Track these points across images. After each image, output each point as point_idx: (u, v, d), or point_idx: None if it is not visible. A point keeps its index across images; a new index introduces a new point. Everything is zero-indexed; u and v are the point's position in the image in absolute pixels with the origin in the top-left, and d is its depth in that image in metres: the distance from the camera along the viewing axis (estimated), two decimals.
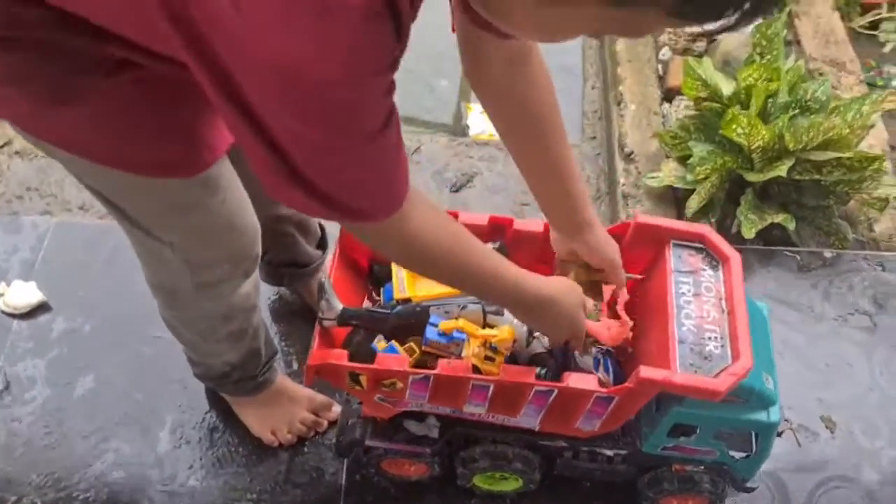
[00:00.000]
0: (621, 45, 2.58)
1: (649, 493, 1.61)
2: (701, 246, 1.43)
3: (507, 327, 1.32)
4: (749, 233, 1.95)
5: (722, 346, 1.31)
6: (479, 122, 2.68)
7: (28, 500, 1.65)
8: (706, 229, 1.43)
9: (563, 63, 2.85)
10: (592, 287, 1.40)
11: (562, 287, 1.23)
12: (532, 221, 1.49)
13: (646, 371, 1.25)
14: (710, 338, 1.32)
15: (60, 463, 1.70)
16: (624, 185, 2.19)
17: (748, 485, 1.57)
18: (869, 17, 2.73)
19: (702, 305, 1.36)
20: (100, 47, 0.95)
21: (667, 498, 1.61)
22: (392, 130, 0.91)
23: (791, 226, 1.99)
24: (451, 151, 2.38)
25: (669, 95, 2.43)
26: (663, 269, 1.41)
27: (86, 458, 1.71)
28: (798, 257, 2.09)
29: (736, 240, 2.01)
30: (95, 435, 1.74)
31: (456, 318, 1.36)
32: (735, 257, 1.40)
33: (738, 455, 1.50)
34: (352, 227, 1.04)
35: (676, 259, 1.41)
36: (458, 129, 2.70)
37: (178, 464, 1.71)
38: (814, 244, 2.10)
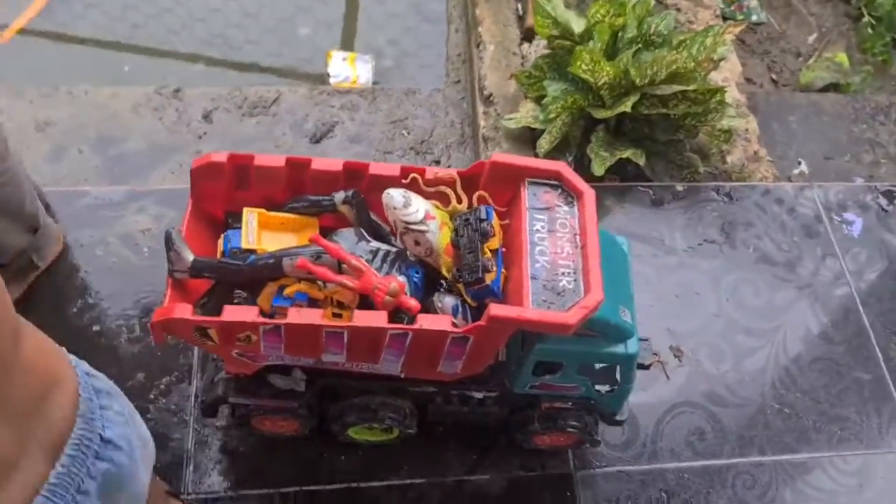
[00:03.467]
0: None
1: (520, 433, 1.63)
2: (557, 183, 1.42)
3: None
4: (599, 169, 1.97)
5: (574, 280, 1.31)
6: (340, 69, 2.62)
7: None
8: (561, 166, 1.42)
9: (427, 7, 2.83)
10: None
11: None
12: (389, 165, 1.46)
13: (496, 309, 1.24)
14: (563, 273, 1.31)
15: None
16: (484, 127, 2.17)
17: (617, 418, 1.60)
18: None
19: (556, 242, 1.35)
20: None
21: (539, 436, 1.63)
22: None
23: (641, 160, 2.02)
24: (312, 101, 2.31)
25: (529, 35, 2.41)
26: (520, 207, 1.39)
27: None
28: (651, 192, 2.14)
29: (594, 178, 2.03)
30: None
31: (298, 281, 1.33)
32: (589, 193, 1.39)
33: (603, 389, 1.52)
34: None
35: (532, 197, 1.40)
36: (319, 77, 2.63)
37: None
38: (667, 178, 2.14)
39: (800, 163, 2.40)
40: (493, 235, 1.37)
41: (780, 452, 1.76)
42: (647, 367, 1.66)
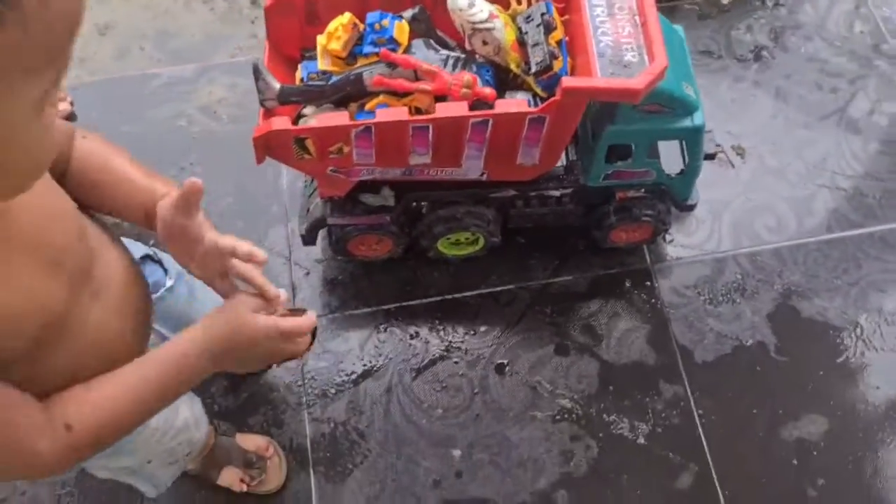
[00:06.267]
0: None
1: (597, 231, 1.73)
2: None
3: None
4: None
5: (639, 54, 1.38)
6: None
7: None
8: None
9: None
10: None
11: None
12: None
13: (568, 81, 1.32)
14: (627, 49, 1.39)
15: None
16: None
17: (689, 203, 1.69)
18: None
19: (616, 23, 1.42)
20: None
21: (615, 232, 1.73)
22: None
23: None
24: None
25: None
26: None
27: None
28: (697, 7, 2.17)
29: None
30: None
31: (378, 96, 1.42)
32: None
33: (673, 172, 1.61)
34: None
35: None
36: None
37: None
38: None
39: None
40: (556, 28, 1.45)
41: (848, 228, 1.84)
42: (712, 157, 1.74)
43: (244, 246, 0.90)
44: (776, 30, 2.14)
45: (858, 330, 1.73)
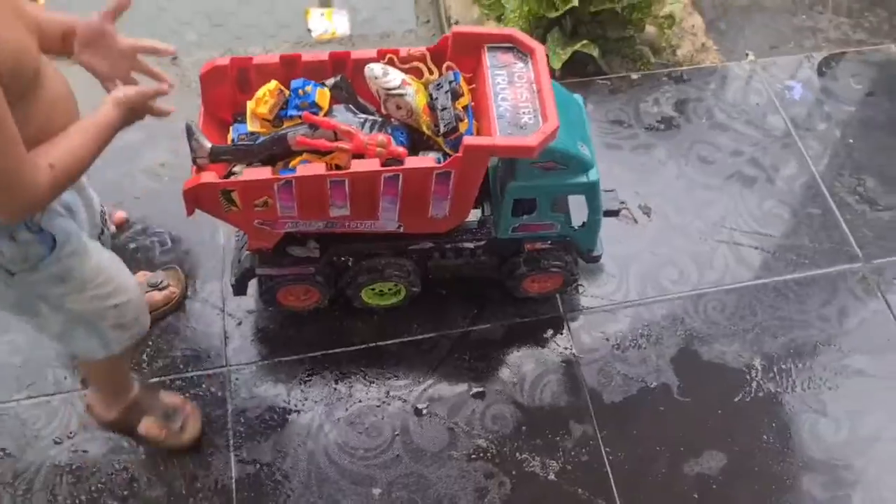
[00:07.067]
0: None
1: (510, 280, 1.86)
2: (511, 45, 1.65)
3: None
4: (556, 64, 2.22)
5: (534, 116, 1.54)
6: (319, 23, 2.86)
7: None
8: (513, 30, 1.65)
9: None
10: None
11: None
12: (368, 51, 1.69)
13: (469, 139, 1.47)
14: (524, 112, 1.55)
15: None
16: None
17: (594, 254, 1.84)
18: None
19: (516, 91, 1.59)
20: None
21: (527, 282, 1.86)
22: None
23: (594, 51, 2.27)
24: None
25: None
26: (482, 70, 1.63)
27: None
28: (609, 83, 2.38)
29: (555, 76, 2.26)
30: None
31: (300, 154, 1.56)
32: (540, 49, 1.63)
33: (576, 225, 1.75)
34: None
35: (491, 58, 1.63)
36: (302, 34, 2.87)
37: None
38: (623, 71, 2.39)
39: (747, 54, 2.63)
40: (463, 94, 1.61)
41: (744, 280, 2.00)
42: (615, 214, 1.90)
43: (149, 42, 1.35)
44: (680, 102, 2.35)
45: (754, 371, 1.86)
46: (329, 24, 2.88)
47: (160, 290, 1.90)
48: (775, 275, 2.01)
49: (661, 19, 2.36)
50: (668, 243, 2.05)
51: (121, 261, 1.46)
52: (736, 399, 1.82)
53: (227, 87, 1.69)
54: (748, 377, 1.85)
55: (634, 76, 2.39)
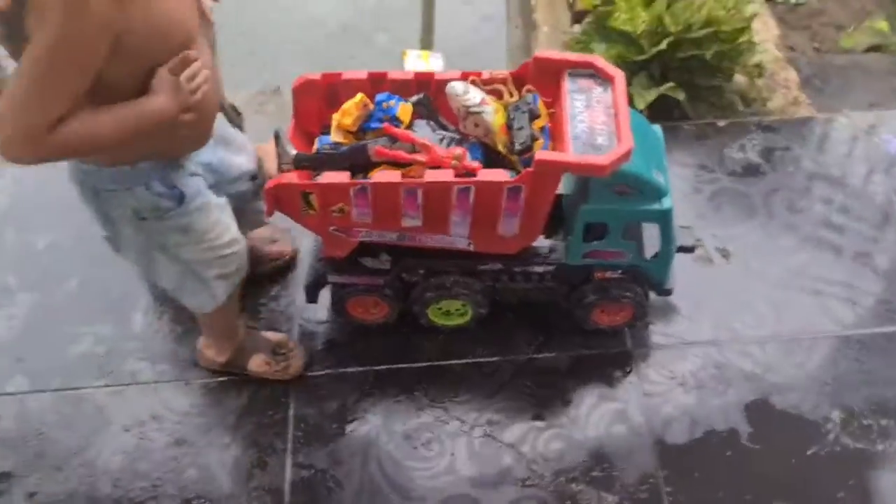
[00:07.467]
0: None
1: (579, 310, 1.84)
2: (592, 72, 1.68)
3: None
4: (640, 104, 2.22)
5: (609, 138, 1.55)
6: (416, 64, 2.96)
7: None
8: (594, 57, 1.68)
9: (486, 12, 3.18)
10: None
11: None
12: (451, 73, 1.75)
13: (541, 154, 1.49)
14: (599, 134, 1.56)
15: None
16: None
17: (666, 287, 1.80)
18: None
19: (593, 114, 1.60)
20: None
21: (595, 312, 1.84)
22: None
23: (680, 96, 2.26)
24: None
25: (578, 18, 2.71)
26: (562, 94, 1.66)
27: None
28: (695, 128, 2.37)
29: None
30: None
31: (380, 165, 1.61)
32: (620, 75, 1.64)
33: (648, 255, 1.73)
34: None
35: (571, 83, 1.66)
36: None
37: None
38: (710, 117, 2.37)
39: (843, 110, 2.57)
40: (540, 116, 1.64)
41: (826, 330, 1.91)
42: (690, 250, 1.86)
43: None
44: (767, 150, 2.31)
45: (831, 424, 1.76)
46: (425, 66, 2.98)
47: (273, 242, 2.05)
48: (861, 327, 1.92)
49: (750, 68, 2.34)
50: (744, 287, 2.00)
51: (232, 214, 1.59)
52: (810, 451, 1.73)
53: (317, 100, 1.77)
54: (825, 430, 1.76)
55: (721, 123, 2.37)
